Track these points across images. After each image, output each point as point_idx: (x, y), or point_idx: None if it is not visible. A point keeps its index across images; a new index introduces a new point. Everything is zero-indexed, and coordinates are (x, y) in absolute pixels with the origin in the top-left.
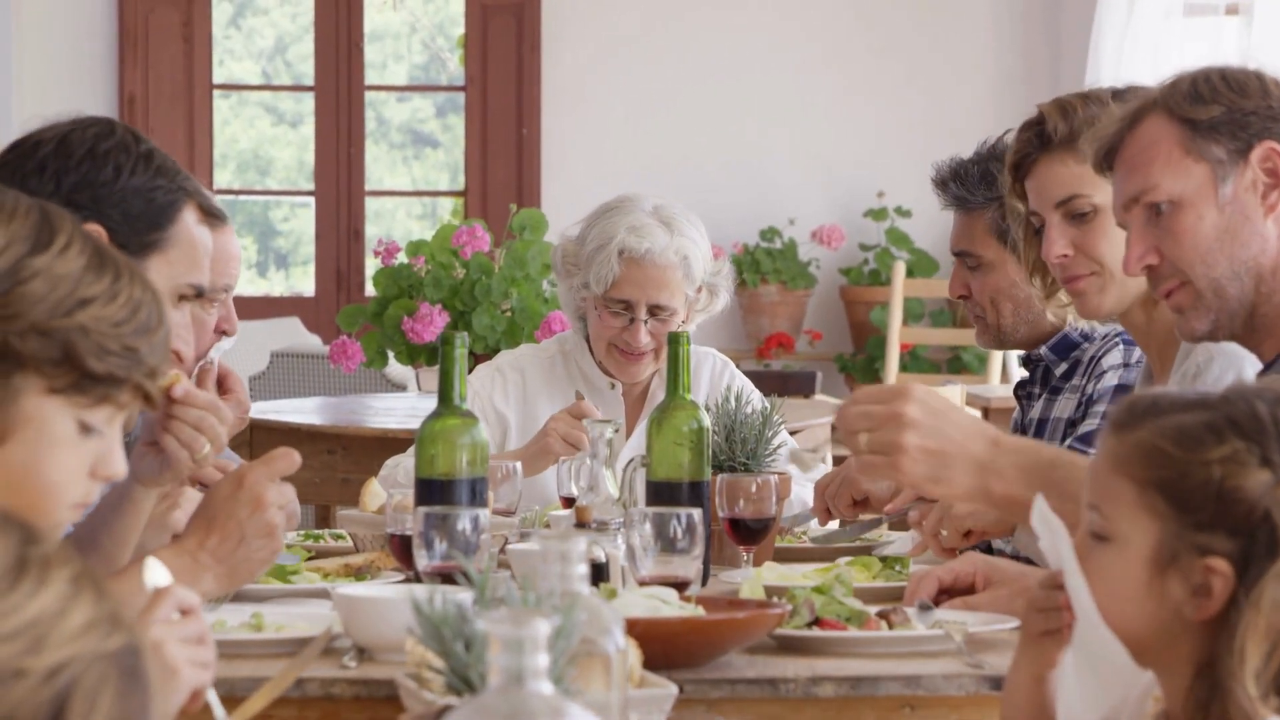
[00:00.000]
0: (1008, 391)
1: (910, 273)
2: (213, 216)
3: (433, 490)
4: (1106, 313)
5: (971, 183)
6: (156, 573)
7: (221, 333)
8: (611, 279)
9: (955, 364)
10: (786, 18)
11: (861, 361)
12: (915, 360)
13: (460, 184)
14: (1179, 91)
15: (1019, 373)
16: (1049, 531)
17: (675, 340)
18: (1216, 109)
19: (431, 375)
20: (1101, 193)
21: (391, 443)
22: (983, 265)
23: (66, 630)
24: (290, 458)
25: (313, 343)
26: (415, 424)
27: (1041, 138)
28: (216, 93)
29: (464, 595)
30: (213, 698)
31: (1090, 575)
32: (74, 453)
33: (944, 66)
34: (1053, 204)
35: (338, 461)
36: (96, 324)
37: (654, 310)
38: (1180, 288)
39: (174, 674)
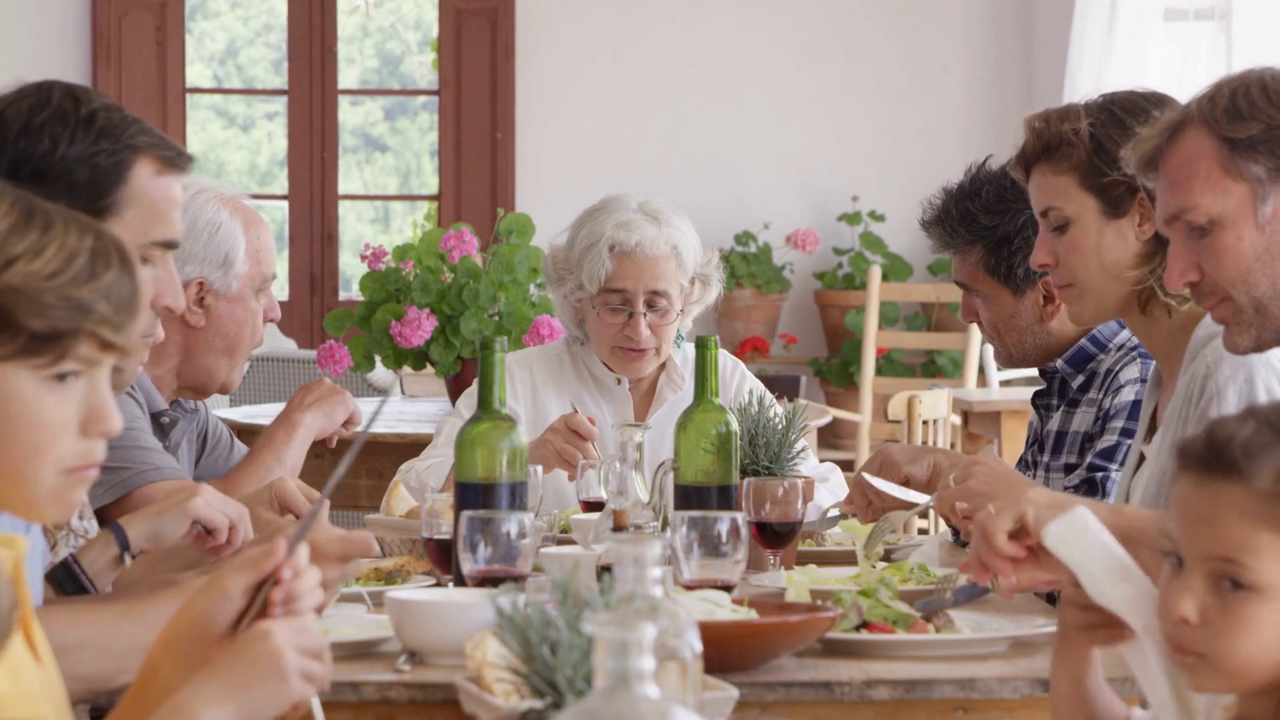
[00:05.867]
0: (986, 395)
1: (884, 277)
2: (170, 165)
3: (473, 494)
4: (1088, 321)
5: (952, 225)
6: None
7: (269, 320)
8: (605, 274)
9: (930, 368)
10: (760, 23)
11: (837, 365)
12: (890, 364)
13: (411, 187)
14: (1218, 106)
15: (997, 377)
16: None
17: (703, 345)
18: (1255, 126)
19: (416, 379)
20: (1075, 204)
21: (381, 446)
22: (982, 296)
23: None
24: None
25: (289, 347)
26: (403, 428)
27: (1030, 149)
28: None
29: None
30: (316, 706)
31: (1235, 625)
32: (52, 409)
33: (917, 71)
34: (1039, 213)
35: (326, 466)
36: (27, 281)
37: (650, 301)
38: (1223, 303)
39: (284, 680)
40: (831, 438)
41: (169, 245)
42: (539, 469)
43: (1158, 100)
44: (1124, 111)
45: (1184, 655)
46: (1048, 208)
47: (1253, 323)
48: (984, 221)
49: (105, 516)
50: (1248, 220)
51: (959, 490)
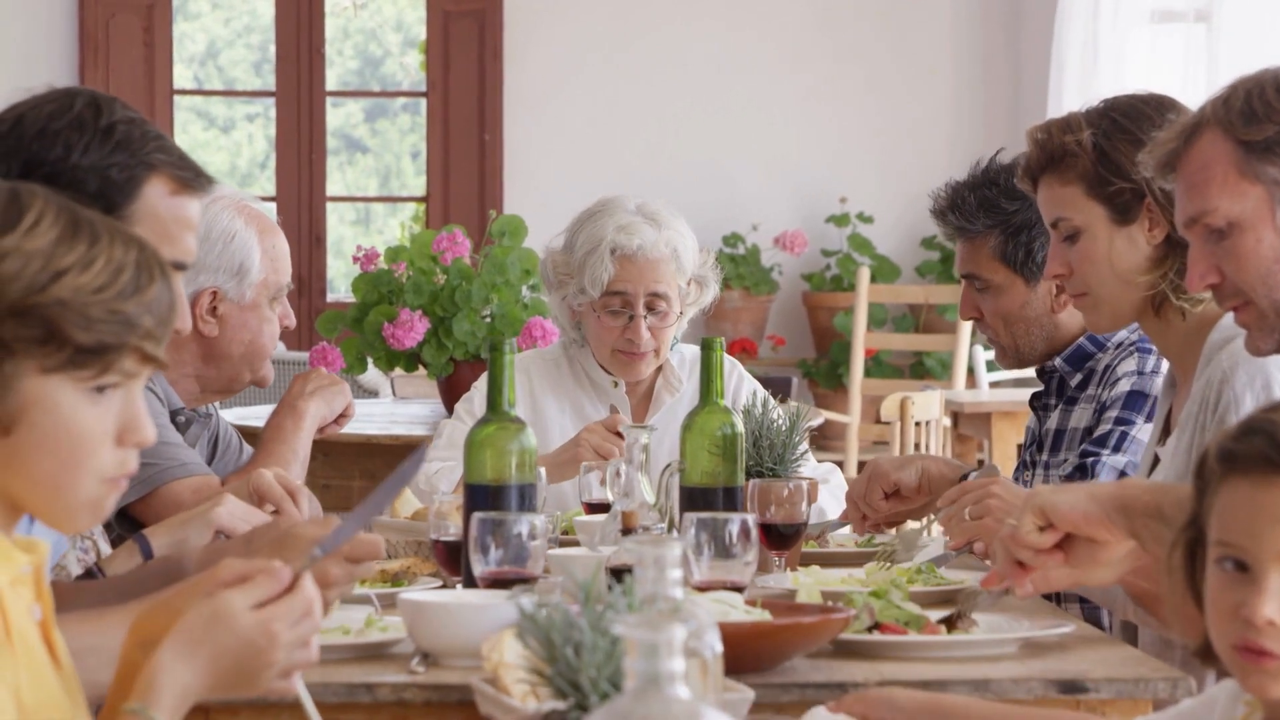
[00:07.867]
0: (976, 396)
1: (872, 278)
2: (186, 186)
3: (482, 496)
4: (1105, 329)
5: (969, 211)
6: None
7: (283, 326)
8: (607, 279)
9: (918, 369)
10: (748, 24)
11: (825, 366)
12: (879, 365)
13: (391, 189)
14: (1233, 109)
15: (987, 378)
16: None
17: (709, 346)
18: (1271, 128)
19: (408, 381)
20: (1084, 214)
21: (374, 449)
22: (991, 288)
23: None
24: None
25: (279, 348)
26: (396, 430)
27: (1034, 162)
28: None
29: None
30: (302, 689)
31: None
32: (92, 421)
33: (905, 73)
34: (1049, 224)
35: (318, 467)
36: (75, 294)
37: (650, 304)
38: (1244, 306)
39: (257, 679)
40: (820, 439)
41: (178, 267)
42: (541, 470)
43: (1158, 104)
44: (1125, 118)
45: (1265, 660)
46: (1057, 219)
47: (1275, 326)
48: (1004, 206)
49: (132, 513)
50: (1266, 222)
51: (979, 527)
